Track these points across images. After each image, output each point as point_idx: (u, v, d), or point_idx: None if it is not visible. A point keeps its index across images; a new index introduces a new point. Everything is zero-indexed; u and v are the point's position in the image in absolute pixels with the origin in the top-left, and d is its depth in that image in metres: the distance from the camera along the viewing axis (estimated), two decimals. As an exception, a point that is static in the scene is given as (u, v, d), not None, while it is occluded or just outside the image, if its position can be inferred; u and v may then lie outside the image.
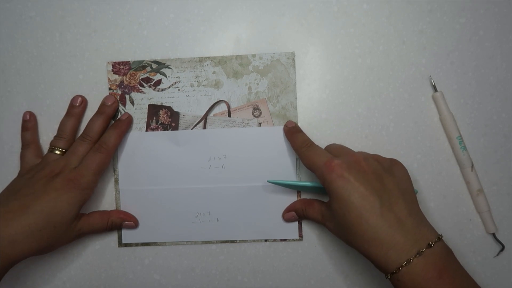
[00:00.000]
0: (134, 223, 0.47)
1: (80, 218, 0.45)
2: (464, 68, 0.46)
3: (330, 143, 0.47)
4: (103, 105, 0.47)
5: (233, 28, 0.47)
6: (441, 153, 0.47)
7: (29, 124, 0.47)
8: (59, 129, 0.47)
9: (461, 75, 0.46)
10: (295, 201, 0.47)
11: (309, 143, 0.44)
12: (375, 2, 0.47)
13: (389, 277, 0.36)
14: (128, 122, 0.47)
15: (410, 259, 0.35)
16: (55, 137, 0.46)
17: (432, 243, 0.36)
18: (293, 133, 0.45)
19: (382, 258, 0.36)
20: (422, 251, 0.35)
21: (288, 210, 0.47)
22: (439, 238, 0.37)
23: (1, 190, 0.45)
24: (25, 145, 0.47)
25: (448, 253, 0.37)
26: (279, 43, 0.47)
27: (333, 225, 0.41)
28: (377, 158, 0.41)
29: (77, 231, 0.44)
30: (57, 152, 0.45)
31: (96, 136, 0.46)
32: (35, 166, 0.45)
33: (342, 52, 0.47)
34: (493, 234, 0.46)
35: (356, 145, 0.47)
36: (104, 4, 0.48)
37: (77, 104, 0.47)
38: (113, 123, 0.47)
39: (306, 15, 0.47)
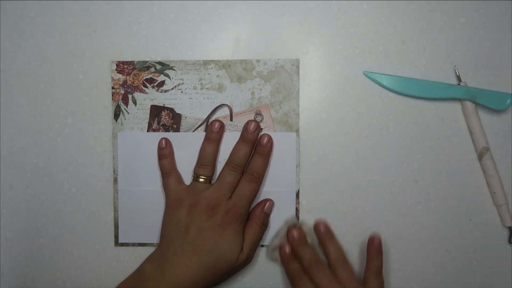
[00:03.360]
0: (271, 203, 0.46)
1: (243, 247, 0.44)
2: (464, 68, 0.46)
3: (330, 143, 0.47)
4: (246, 131, 0.45)
5: (233, 28, 0.47)
6: (440, 153, 0.47)
7: (166, 151, 0.47)
8: (201, 157, 0.46)
9: (461, 75, 0.46)
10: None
11: (317, 262, 0.44)
12: (375, 2, 0.47)
13: None
14: (271, 145, 0.46)
15: None
16: (198, 165, 0.46)
17: None
18: (300, 244, 0.45)
19: None
20: None
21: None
22: None
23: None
24: (165, 174, 0.46)
25: None
26: (279, 44, 0.47)
27: None
28: None
29: (243, 259, 0.44)
30: (201, 180, 0.45)
31: (244, 165, 0.45)
32: (185, 196, 0.44)
33: (342, 52, 0.47)
34: (510, 228, 0.46)
35: (356, 145, 0.47)
36: (104, 4, 0.48)
37: (217, 130, 0.46)
38: (255, 148, 0.46)
39: (306, 15, 0.47)
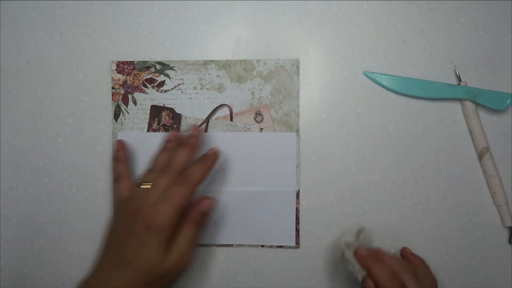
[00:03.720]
0: (209, 201, 0.42)
1: (172, 251, 0.39)
2: (464, 68, 0.46)
3: (330, 143, 0.47)
4: (188, 136, 0.44)
5: (233, 28, 0.47)
6: (440, 153, 0.47)
7: (119, 154, 0.45)
8: (151, 163, 0.44)
9: (461, 75, 0.46)
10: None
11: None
12: (375, 2, 0.47)
13: None
14: (215, 157, 0.43)
15: None
16: (146, 170, 0.43)
17: None
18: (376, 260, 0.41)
19: None
20: None
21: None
22: None
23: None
24: (116, 178, 0.45)
25: None
26: (279, 44, 0.47)
27: None
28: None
29: (171, 263, 0.39)
30: (144, 186, 0.41)
31: (179, 168, 0.41)
32: (125, 202, 0.42)
33: (342, 52, 0.47)
34: (510, 228, 0.46)
35: (356, 145, 0.47)
36: (104, 4, 0.48)
37: (173, 139, 0.44)
38: (199, 157, 0.43)
39: (306, 15, 0.47)
